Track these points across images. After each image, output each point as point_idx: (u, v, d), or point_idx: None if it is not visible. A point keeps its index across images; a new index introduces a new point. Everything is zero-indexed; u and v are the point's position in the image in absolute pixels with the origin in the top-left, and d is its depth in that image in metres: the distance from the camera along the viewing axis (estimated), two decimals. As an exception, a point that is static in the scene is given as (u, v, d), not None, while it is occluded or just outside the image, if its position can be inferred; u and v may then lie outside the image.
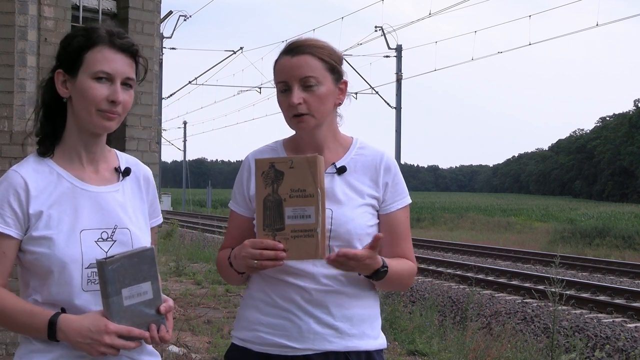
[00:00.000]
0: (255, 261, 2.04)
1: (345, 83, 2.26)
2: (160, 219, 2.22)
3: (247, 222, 2.30)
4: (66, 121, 2.02)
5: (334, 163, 2.23)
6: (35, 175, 1.97)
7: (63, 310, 1.90)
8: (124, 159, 2.13)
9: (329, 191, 2.15)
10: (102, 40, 1.95)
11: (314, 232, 2.03)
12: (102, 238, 1.97)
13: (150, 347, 2.06)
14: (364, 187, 2.23)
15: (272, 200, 2.06)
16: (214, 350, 7.05)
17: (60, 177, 1.99)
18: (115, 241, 1.98)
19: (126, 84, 1.97)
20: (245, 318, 2.26)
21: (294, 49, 2.19)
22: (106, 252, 1.94)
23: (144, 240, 2.03)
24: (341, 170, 2.23)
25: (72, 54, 1.97)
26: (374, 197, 2.24)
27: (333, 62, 2.21)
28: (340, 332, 2.18)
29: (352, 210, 2.19)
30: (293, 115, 2.18)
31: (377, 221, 2.26)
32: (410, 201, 2.31)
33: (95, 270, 1.89)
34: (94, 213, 1.98)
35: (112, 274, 1.84)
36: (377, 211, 2.26)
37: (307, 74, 2.16)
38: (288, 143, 2.32)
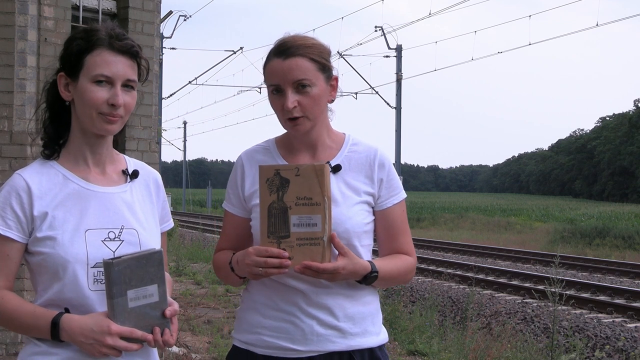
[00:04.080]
0: (260, 269, 2.03)
1: (336, 79, 2.24)
2: (171, 224, 2.21)
3: (243, 222, 2.28)
4: (70, 124, 2.02)
5: (328, 162, 2.21)
6: (39, 177, 1.97)
7: (67, 311, 1.90)
8: (132, 163, 2.13)
9: None
10: (102, 43, 1.94)
11: (320, 240, 2.03)
12: (109, 238, 1.96)
13: (155, 354, 2.04)
14: (359, 185, 2.22)
15: (277, 207, 2.05)
16: (214, 350, 7.05)
17: (66, 178, 1.99)
18: (122, 241, 1.97)
19: (127, 85, 1.96)
20: (246, 321, 2.25)
21: (284, 51, 2.15)
22: (114, 252, 1.94)
23: (152, 242, 2.01)
24: (336, 169, 2.21)
25: (72, 58, 1.96)
26: (369, 194, 2.23)
27: (324, 61, 2.18)
28: (344, 332, 2.17)
29: (349, 209, 2.18)
30: (288, 119, 2.16)
31: (373, 218, 2.25)
32: (405, 195, 2.30)
33: (102, 269, 1.89)
34: (101, 213, 1.97)
35: (118, 274, 1.83)
36: (373, 207, 2.25)
37: (300, 77, 2.12)
38: (280, 142, 2.30)
